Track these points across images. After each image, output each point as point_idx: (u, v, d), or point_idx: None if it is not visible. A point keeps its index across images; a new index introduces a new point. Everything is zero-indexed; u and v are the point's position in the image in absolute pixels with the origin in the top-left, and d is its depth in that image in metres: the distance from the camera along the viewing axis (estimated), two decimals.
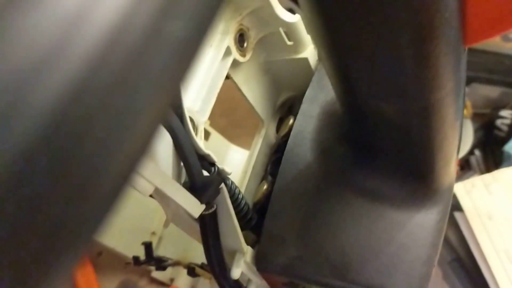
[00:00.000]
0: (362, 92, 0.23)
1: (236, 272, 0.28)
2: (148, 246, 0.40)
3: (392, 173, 0.28)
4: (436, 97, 0.22)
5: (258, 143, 0.37)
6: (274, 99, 0.39)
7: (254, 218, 0.32)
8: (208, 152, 0.27)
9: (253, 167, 0.37)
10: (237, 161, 0.50)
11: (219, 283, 0.29)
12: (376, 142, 0.27)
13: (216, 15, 0.09)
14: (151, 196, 0.24)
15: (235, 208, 0.30)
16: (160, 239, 0.46)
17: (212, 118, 0.35)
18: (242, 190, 0.36)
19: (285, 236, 0.29)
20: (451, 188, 0.29)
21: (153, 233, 0.45)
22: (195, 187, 0.25)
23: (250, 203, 0.35)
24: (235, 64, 0.33)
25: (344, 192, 0.29)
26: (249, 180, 0.36)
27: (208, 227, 0.27)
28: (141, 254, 0.44)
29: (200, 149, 0.27)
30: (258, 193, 0.34)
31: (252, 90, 0.36)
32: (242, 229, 0.30)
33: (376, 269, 0.27)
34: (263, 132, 0.38)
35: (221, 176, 0.27)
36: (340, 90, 0.24)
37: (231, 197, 0.29)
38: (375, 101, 0.23)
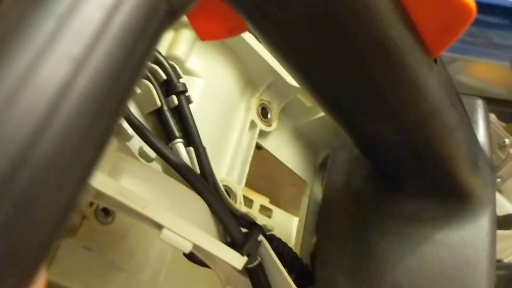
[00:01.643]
0: (356, 122, 0.25)
1: None
2: None
3: (423, 194, 0.29)
4: (422, 110, 0.23)
5: (305, 204, 0.39)
6: (313, 159, 0.41)
7: (310, 272, 0.33)
8: (245, 212, 0.30)
9: (305, 227, 0.38)
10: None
11: None
12: (394, 167, 0.28)
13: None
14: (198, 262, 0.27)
15: (286, 265, 0.31)
16: None
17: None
18: (298, 250, 0.37)
19: (336, 280, 0.29)
20: (491, 198, 0.29)
21: None
22: (234, 242, 0.27)
23: (308, 260, 0.36)
24: (264, 134, 0.37)
25: (384, 224, 0.30)
26: (303, 240, 0.38)
27: (257, 279, 0.28)
28: None
29: (237, 210, 0.30)
30: (311, 246, 0.35)
31: (288, 155, 0.39)
32: (304, 286, 0.31)
33: None
34: (308, 191, 0.40)
35: (260, 230, 0.29)
36: (341, 126, 0.26)
37: (279, 254, 0.31)
38: (371, 126, 0.25)
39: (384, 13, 0.20)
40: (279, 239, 0.31)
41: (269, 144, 0.38)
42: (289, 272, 0.32)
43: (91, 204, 0.38)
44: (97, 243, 0.39)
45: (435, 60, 0.23)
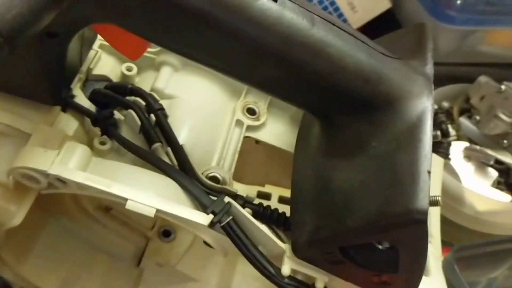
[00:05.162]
0: (240, 71, 0.30)
1: (284, 269, 0.32)
2: None
3: (353, 119, 0.31)
4: (273, 40, 0.27)
5: None
6: None
7: None
8: (225, 187, 0.36)
9: None
10: None
11: (278, 286, 0.33)
12: (309, 103, 0.32)
13: None
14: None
15: (268, 220, 0.36)
16: None
17: None
18: None
19: (304, 219, 0.32)
20: (423, 101, 0.30)
21: None
22: (202, 205, 0.33)
23: None
24: (256, 128, 0.43)
25: (336, 160, 0.32)
26: None
27: (233, 233, 0.33)
28: None
29: (215, 186, 0.36)
30: None
31: (289, 141, 0.43)
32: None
33: (372, 199, 0.28)
34: None
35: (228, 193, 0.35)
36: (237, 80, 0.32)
37: (259, 214, 0.35)
38: (255, 71, 0.30)
39: None
40: (259, 203, 0.36)
41: (264, 136, 0.43)
42: (277, 227, 0.36)
43: (153, 227, 0.47)
44: (164, 258, 0.47)
45: None
